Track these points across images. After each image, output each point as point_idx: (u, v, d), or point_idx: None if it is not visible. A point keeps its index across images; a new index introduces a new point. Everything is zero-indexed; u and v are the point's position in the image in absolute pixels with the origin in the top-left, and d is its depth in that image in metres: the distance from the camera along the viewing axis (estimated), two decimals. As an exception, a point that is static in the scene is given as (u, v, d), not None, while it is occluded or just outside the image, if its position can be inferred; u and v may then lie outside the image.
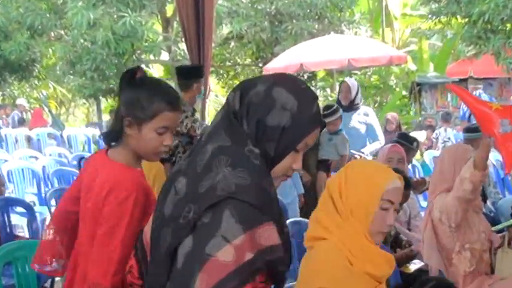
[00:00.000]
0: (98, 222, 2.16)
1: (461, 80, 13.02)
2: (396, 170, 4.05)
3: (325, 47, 10.40)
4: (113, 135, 2.24)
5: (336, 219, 2.11)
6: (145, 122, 2.15)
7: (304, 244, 2.22)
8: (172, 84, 15.23)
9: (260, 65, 14.16)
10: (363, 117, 6.41)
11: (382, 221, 2.10)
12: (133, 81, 2.24)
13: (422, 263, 3.65)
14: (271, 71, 11.06)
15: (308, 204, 5.15)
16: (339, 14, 13.67)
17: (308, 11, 13.25)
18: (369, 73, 14.92)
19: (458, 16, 9.76)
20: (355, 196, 2.10)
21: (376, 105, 14.18)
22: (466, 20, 9.55)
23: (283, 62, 10.85)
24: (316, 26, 13.26)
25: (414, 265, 3.81)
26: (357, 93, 6.52)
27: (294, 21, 13.13)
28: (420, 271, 3.65)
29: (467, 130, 5.82)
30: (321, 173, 5.70)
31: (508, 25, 9.19)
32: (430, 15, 10.57)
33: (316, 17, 13.41)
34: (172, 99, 2.20)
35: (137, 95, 2.18)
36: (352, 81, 6.73)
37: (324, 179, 5.61)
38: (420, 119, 13.46)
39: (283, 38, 13.23)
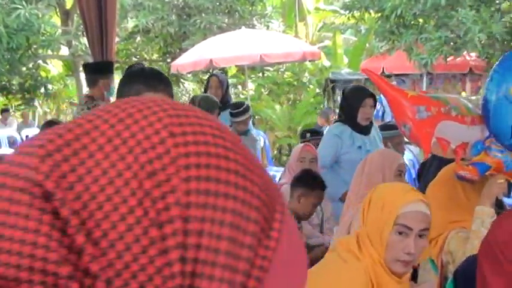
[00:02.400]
0: None
1: (375, 77, 13.44)
2: (308, 171, 4.18)
3: (236, 42, 10.48)
4: None
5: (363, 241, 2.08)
6: None
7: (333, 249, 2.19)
8: (74, 80, 14.90)
9: (168, 60, 14.09)
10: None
11: (398, 248, 2.01)
12: (125, 75, 2.48)
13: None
14: (180, 67, 11.06)
15: None
16: (250, 8, 13.78)
17: (217, 4, 13.29)
18: (282, 69, 15.12)
19: (371, 10, 10.04)
20: (372, 220, 2.06)
21: (289, 103, 14.40)
22: (379, 14, 9.84)
23: (192, 57, 10.85)
24: (226, 19, 13.32)
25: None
26: (227, 89, 6.16)
27: (203, 14, 13.14)
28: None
29: (383, 128, 6.01)
30: None
31: (421, 20, 9.55)
32: (343, 10, 10.84)
33: (226, 10, 13.48)
34: (151, 79, 2.30)
35: (120, 86, 2.37)
36: (222, 76, 6.36)
37: None
38: (335, 117, 13.77)
39: (192, 33, 13.21)
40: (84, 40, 11.33)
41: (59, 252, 0.49)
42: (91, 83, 5.32)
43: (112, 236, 0.49)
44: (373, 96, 4.69)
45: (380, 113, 10.53)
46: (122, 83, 2.42)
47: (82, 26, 8.88)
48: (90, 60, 6.87)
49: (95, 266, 0.49)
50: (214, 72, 7.13)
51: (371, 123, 4.72)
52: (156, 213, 0.50)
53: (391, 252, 2.01)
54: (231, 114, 5.61)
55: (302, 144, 5.00)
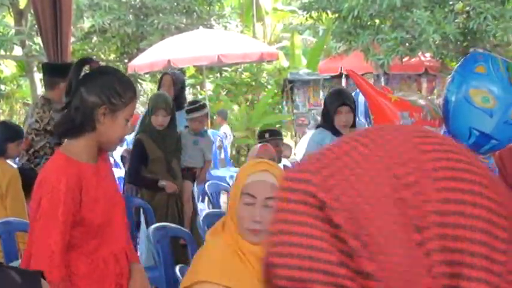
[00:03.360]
0: (35, 218, 2.30)
1: (332, 77, 13.57)
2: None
3: (194, 42, 10.47)
4: (75, 128, 2.35)
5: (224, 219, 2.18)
6: (121, 110, 2.35)
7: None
8: (28, 81, 14.66)
9: (125, 60, 13.98)
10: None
11: (246, 218, 2.10)
12: (95, 71, 2.41)
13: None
14: (137, 67, 10.99)
15: (173, 216, 4.79)
16: (208, 8, 13.78)
17: (175, 4, 13.25)
18: (240, 70, 15.15)
19: (328, 11, 10.12)
20: (231, 196, 2.17)
21: (248, 103, 14.43)
22: (336, 15, 9.94)
23: (150, 58, 10.81)
24: (184, 20, 13.29)
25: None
26: (182, 88, 5.84)
27: (161, 15, 13.09)
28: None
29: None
30: (187, 182, 5.09)
31: (377, 20, 9.67)
32: (300, 10, 10.92)
33: (184, 10, 13.44)
34: (135, 88, 2.48)
35: (112, 83, 2.34)
36: (177, 74, 5.98)
37: (189, 189, 5.13)
38: (293, 117, 13.84)
39: (150, 33, 13.14)
40: (39, 40, 11.17)
41: (337, 255, 0.57)
42: (50, 84, 5.15)
43: (379, 240, 0.57)
44: (349, 103, 4.54)
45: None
46: (109, 82, 2.37)
47: (36, 26, 8.76)
48: (45, 60, 6.76)
49: (367, 266, 0.56)
50: (169, 70, 6.77)
51: (353, 124, 4.60)
52: (416, 220, 0.58)
53: (241, 223, 2.10)
54: (187, 112, 5.33)
55: (260, 145, 4.99)
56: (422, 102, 2.89)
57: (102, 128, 2.33)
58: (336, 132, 4.49)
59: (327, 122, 4.55)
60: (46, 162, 2.51)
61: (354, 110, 4.61)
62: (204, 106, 5.45)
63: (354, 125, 4.66)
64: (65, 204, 2.25)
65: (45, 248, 2.24)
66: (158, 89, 5.76)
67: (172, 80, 5.61)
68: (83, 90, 2.35)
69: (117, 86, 2.34)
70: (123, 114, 2.35)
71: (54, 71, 5.29)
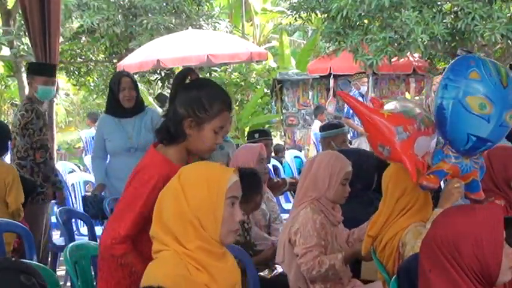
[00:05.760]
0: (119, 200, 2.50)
1: (321, 77, 13.58)
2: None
3: (183, 42, 10.46)
4: (170, 137, 2.49)
5: (173, 231, 2.10)
6: (207, 122, 2.46)
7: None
8: (16, 81, 14.61)
9: (114, 61, 13.95)
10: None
11: (231, 219, 2.14)
12: (190, 83, 2.50)
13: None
14: (126, 67, 10.95)
15: None
16: (197, 8, 13.76)
17: (164, 4, 13.23)
18: (229, 70, 15.14)
19: (317, 11, 10.12)
20: (199, 205, 2.09)
21: (237, 103, 14.41)
22: (325, 15, 9.94)
23: (139, 58, 10.79)
24: (173, 20, 13.26)
25: (276, 271, 3.94)
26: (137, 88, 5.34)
27: (150, 15, 13.05)
28: (280, 275, 3.77)
29: (326, 127, 6.00)
30: None
31: (366, 21, 9.67)
32: (289, 11, 10.92)
33: (173, 10, 13.41)
34: (229, 100, 2.54)
35: (199, 97, 2.45)
36: (131, 74, 5.48)
37: None
38: (282, 118, 13.85)
39: (139, 33, 13.11)
40: (27, 40, 11.12)
41: None
42: (28, 82, 5.46)
43: None
44: None
45: (351, 111, 10.58)
46: (196, 95, 2.51)
47: (24, 26, 8.73)
48: (33, 61, 6.77)
49: None
50: (122, 71, 5.82)
51: None
52: None
53: (226, 226, 2.12)
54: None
55: (259, 144, 4.97)
56: (417, 110, 2.89)
57: (190, 138, 2.48)
58: None
59: None
60: (143, 158, 2.58)
61: None
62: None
63: None
64: (147, 199, 2.38)
65: (113, 229, 2.41)
66: (114, 93, 5.16)
67: (133, 82, 5.14)
68: (177, 101, 2.49)
69: (204, 99, 2.45)
70: (209, 126, 2.46)
71: (32, 69, 5.49)
